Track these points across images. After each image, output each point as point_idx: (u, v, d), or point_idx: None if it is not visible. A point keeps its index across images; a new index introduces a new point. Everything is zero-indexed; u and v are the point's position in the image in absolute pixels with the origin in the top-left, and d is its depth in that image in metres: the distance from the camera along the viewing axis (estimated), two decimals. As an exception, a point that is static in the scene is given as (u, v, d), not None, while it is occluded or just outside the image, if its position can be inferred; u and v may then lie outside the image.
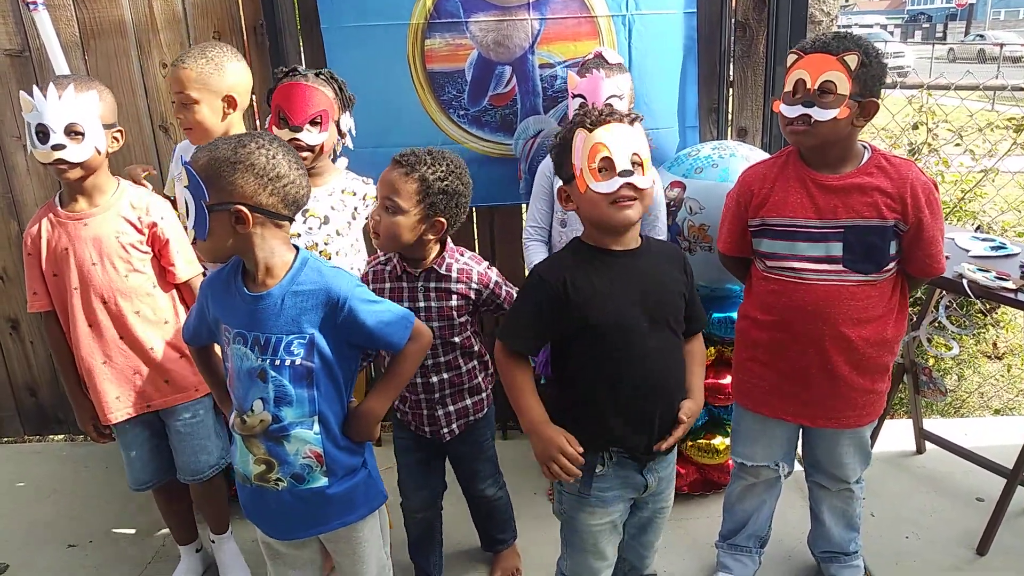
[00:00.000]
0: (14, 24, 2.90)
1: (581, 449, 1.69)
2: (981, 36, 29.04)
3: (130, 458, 2.26)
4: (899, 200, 1.86)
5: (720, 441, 2.65)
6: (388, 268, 2.05)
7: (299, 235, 2.22)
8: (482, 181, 2.82)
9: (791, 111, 1.86)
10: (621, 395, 1.71)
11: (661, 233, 2.42)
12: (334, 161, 2.39)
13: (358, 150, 2.59)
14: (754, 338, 2.07)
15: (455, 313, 2.04)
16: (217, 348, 1.79)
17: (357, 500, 1.73)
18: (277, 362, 1.59)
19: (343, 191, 2.32)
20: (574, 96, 2.38)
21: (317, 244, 2.26)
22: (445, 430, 2.13)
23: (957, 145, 3.80)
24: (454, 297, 2.03)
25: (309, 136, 2.19)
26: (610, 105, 1.97)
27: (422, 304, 2.02)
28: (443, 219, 1.93)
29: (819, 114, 1.82)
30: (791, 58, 1.90)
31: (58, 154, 1.94)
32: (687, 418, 1.77)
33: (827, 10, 3.76)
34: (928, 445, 2.96)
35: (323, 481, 1.66)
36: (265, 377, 1.60)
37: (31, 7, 2.51)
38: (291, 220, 1.63)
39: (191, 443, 2.23)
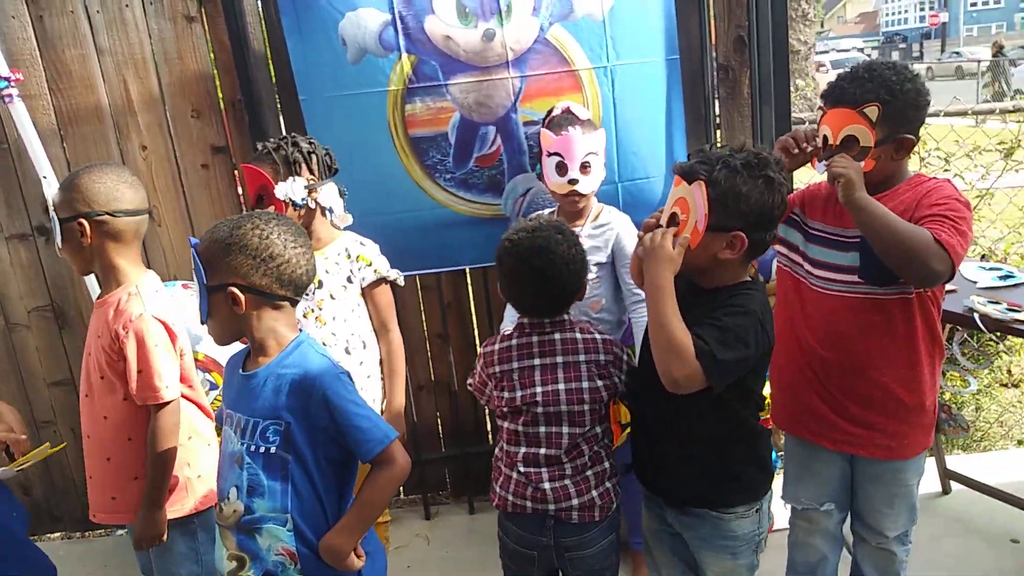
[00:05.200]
0: (-10, 117, 2.87)
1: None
2: (957, 53, 29.39)
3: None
4: (913, 206, 1.78)
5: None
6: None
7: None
8: (473, 243, 2.81)
9: (820, 167, 1.84)
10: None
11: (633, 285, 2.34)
12: (333, 220, 2.32)
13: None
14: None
15: None
16: None
17: None
18: (253, 448, 1.54)
19: (339, 254, 2.29)
20: (550, 155, 2.32)
21: (312, 309, 2.22)
22: None
23: (946, 171, 3.75)
24: None
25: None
26: None
27: None
28: None
29: None
30: (819, 112, 1.88)
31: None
32: None
33: (804, 39, 3.78)
34: (953, 484, 2.85)
35: None
36: (242, 463, 1.55)
37: (7, 100, 2.48)
38: (290, 300, 1.60)
39: (157, 564, 2.06)
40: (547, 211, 2.53)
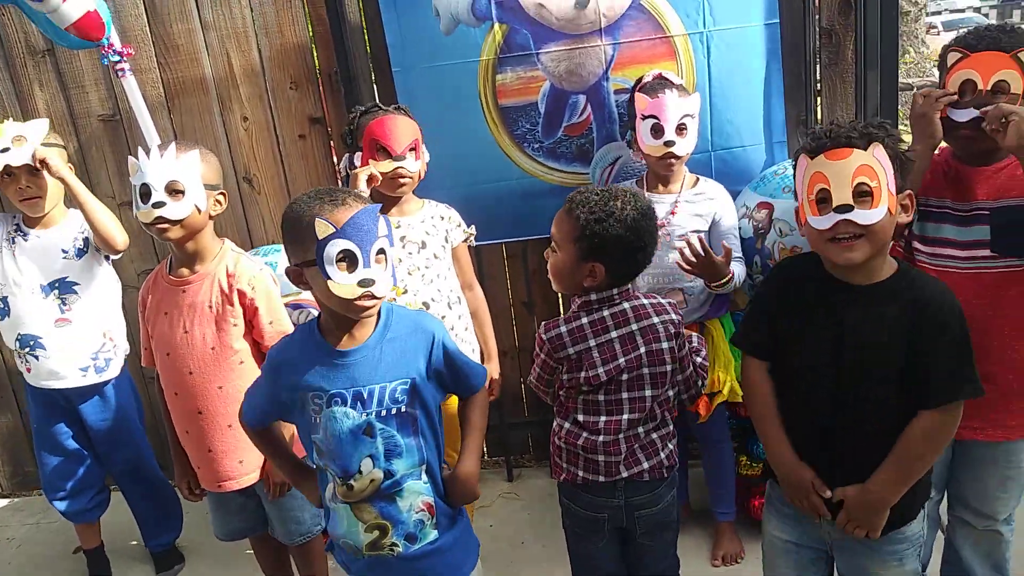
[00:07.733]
0: (106, 90, 3.02)
1: (828, 494, 1.61)
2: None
3: (215, 513, 2.25)
4: None
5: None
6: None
7: (400, 260, 2.29)
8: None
9: (962, 115, 1.73)
10: (797, 431, 1.67)
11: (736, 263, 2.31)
12: None
13: (435, 189, 2.59)
14: None
15: None
16: (286, 428, 1.80)
17: (461, 553, 1.72)
18: (383, 412, 1.58)
19: (432, 216, 2.40)
20: (644, 117, 2.30)
21: (419, 267, 2.32)
22: None
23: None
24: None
25: (410, 164, 2.28)
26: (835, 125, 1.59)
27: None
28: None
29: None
30: (952, 56, 1.76)
31: (158, 212, 1.90)
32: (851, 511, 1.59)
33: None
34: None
35: (434, 534, 1.65)
36: (372, 432, 1.58)
37: (119, 74, 2.60)
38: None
39: (280, 512, 2.18)
40: (628, 181, 2.52)
